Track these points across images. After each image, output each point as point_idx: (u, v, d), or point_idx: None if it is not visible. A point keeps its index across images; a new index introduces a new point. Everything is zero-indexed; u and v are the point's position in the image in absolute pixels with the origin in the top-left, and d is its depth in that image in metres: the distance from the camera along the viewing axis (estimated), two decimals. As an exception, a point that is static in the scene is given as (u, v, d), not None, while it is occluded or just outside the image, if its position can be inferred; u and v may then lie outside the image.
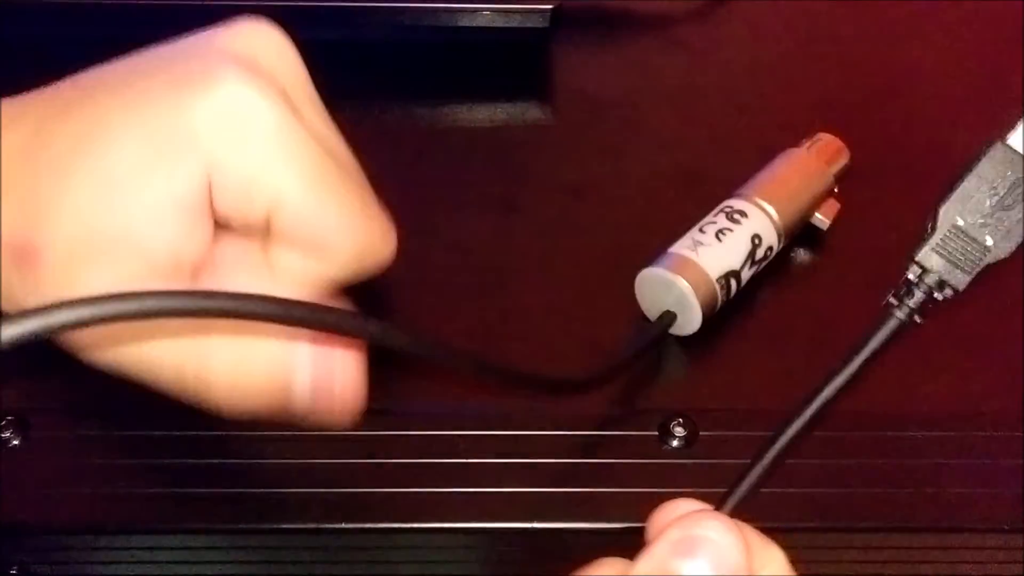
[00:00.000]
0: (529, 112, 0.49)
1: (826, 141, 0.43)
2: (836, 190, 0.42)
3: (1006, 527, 0.34)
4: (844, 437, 0.35)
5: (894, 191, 0.44)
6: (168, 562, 0.35)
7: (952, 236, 0.29)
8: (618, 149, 0.46)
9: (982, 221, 0.29)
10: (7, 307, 0.31)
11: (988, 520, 0.34)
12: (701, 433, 0.35)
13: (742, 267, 0.38)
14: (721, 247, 0.38)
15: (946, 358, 0.38)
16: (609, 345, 0.38)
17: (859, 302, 0.40)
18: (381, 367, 0.37)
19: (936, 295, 0.29)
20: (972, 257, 0.29)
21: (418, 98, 0.49)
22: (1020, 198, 0.29)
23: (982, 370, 0.38)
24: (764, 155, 0.45)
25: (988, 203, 0.29)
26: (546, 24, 0.48)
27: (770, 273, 0.41)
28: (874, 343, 0.30)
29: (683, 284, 0.37)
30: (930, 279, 0.29)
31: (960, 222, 0.29)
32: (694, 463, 0.34)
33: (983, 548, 0.35)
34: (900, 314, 0.29)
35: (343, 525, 0.33)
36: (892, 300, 0.29)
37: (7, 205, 0.30)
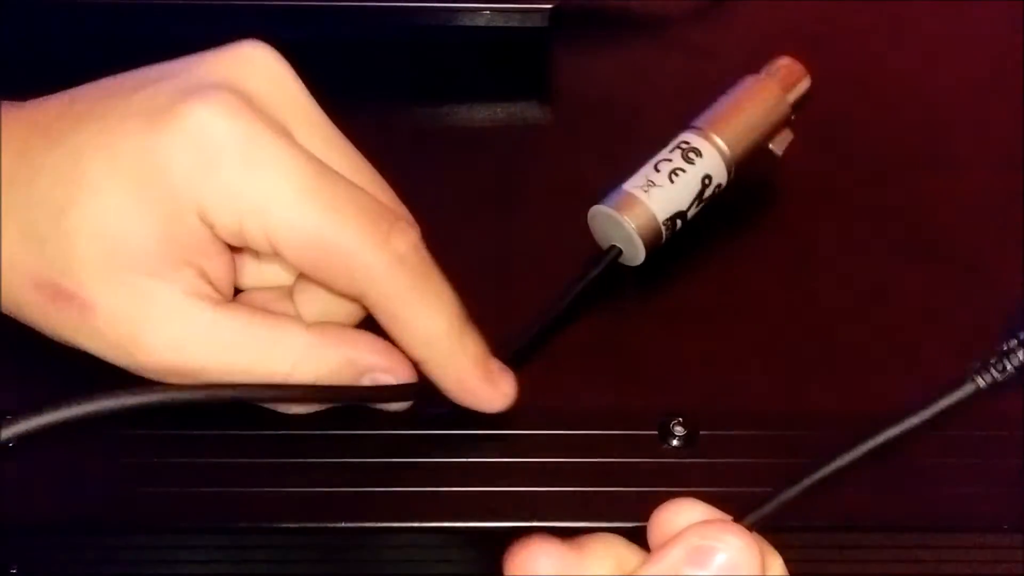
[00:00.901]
0: (529, 112, 0.49)
1: (786, 67, 0.43)
2: (793, 118, 0.43)
3: (1006, 527, 0.34)
4: (844, 437, 0.35)
5: (891, 192, 0.44)
6: (168, 561, 0.35)
7: None
8: (618, 149, 0.46)
9: None
10: (47, 330, 0.32)
11: (988, 520, 0.34)
12: (701, 433, 0.35)
13: (689, 207, 0.40)
14: (672, 188, 0.39)
15: (946, 358, 0.38)
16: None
17: (858, 303, 0.40)
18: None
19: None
20: None
21: (418, 98, 0.49)
22: None
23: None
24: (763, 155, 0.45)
25: None
26: (545, 24, 0.48)
27: (769, 273, 0.41)
28: (944, 403, 0.28)
29: (630, 225, 0.39)
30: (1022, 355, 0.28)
31: None
32: (694, 463, 0.34)
33: (983, 548, 0.35)
34: (981, 382, 0.28)
35: (343, 525, 0.33)
36: (976, 365, 0.28)
37: (7, 231, 0.30)
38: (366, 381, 0.34)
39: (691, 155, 0.40)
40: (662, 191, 0.39)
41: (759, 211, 0.43)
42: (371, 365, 0.33)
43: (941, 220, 0.43)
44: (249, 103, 0.30)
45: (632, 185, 0.40)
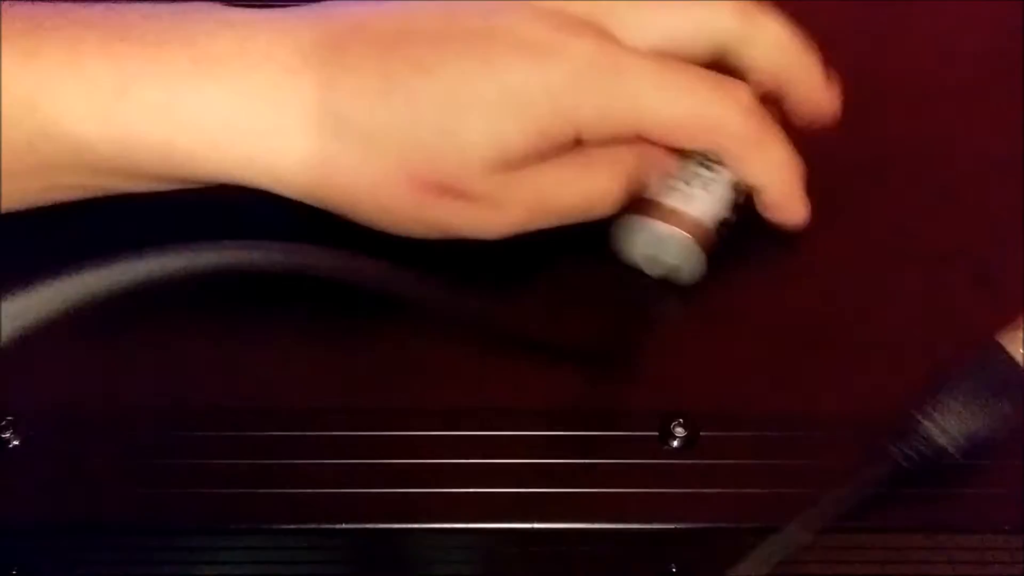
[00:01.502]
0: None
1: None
2: None
3: (1006, 527, 0.34)
4: (843, 437, 0.35)
5: (890, 191, 0.44)
6: (168, 562, 0.35)
7: (949, 415, 0.33)
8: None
9: (972, 414, 0.33)
10: (419, 225, 0.37)
11: (988, 520, 0.34)
12: (701, 433, 0.35)
13: (731, 215, 0.40)
14: (709, 197, 0.39)
15: (946, 358, 0.38)
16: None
17: (858, 304, 0.40)
18: (380, 366, 0.37)
19: (927, 453, 0.33)
20: (959, 434, 0.33)
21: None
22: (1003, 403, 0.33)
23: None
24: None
25: (979, 399, 0.33)
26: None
27: (769, 274, 0.41)
28: (868, 479, 0.33)
29: (689, 240, 0.38)
30: (927, 436, 0.33)
31: (956, 408, 0.33)
32: (694, 463, 0.34)
33: (983, 548, 0.35)
34: (899, 459, 0.33)
35: (343, 525, 0.33)
36: (891, 446, 0.33)
37: (392, 139, 0.35)
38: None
39: (712, 165, 0.39)
40: (703, 200, 0.39)
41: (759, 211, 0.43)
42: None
43: (942, 221, 0.43)
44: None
45: (673, 200, 0.39)
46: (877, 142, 0.46)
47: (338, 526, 0.33)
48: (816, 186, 0.44)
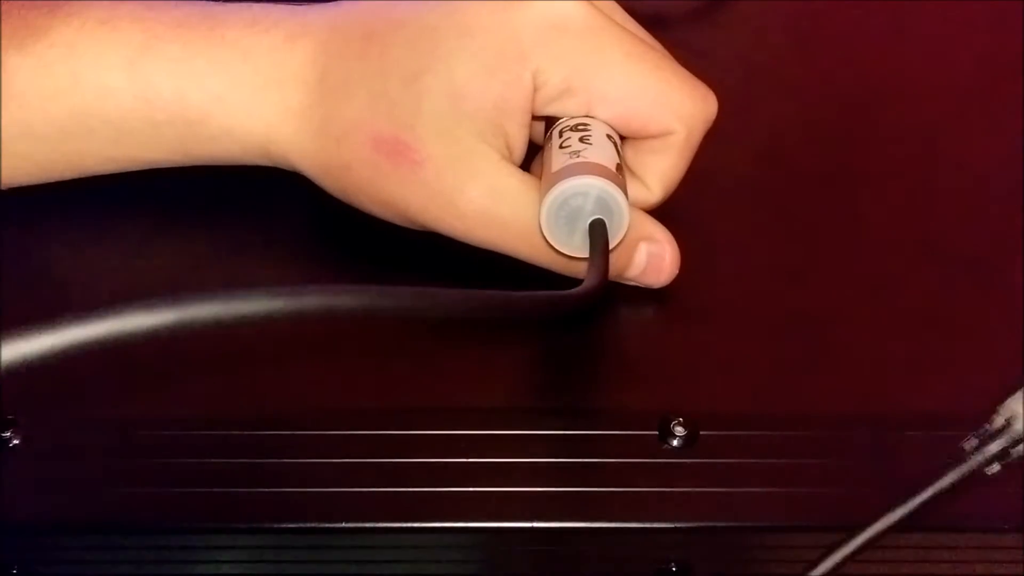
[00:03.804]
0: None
1: None
2: None
3: (1006, 527, 0.34)
4: (844, 437, 0.35)
5: (892, 192, 0.44)
6: (168, 562, 0.35)
7: None
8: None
9: None
10: (370, 188, 0.37)
11: (988, 520, 0.34)
12: (701, 433, 0.35)
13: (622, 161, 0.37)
14: (593, 148, 0.36)
15: (946, 358, 0.38)
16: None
17: (858, 303, 0.40)
18: (379, 365, 0.37)
19: (1014, 449, 0.29)
20: None
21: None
22: None
23: (982, 370, 0.38)
24: (765, 155, 0.45)
25: None
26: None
27: (769, 273, 0.41)
28: (941, 484, 0.30)
29: (602, 182, 0.35)
30: (1014, 431, 0.29)
31: None
32: (694, 463, 0.34)
33: (983, 548, 0.35)
34: (975, 459, 0.29)
35: (343, 525, 0.33)
36: (968, 444, 0.30)
37: (356, 97, 0.36)
38: (641, 253, 0.38)
39: (579, 126, 0.37)
40: (591, 150, 0.36)
41: (759, 210, 0.43)
42: (652, 233, 0.38)
43: (942, 220, 0.43)
44: None
45: (562, 163, 0.36)
46: (877, 142, 0.46)
47: (338, 525, 0.33)
48: (816, 186, 0.44)
